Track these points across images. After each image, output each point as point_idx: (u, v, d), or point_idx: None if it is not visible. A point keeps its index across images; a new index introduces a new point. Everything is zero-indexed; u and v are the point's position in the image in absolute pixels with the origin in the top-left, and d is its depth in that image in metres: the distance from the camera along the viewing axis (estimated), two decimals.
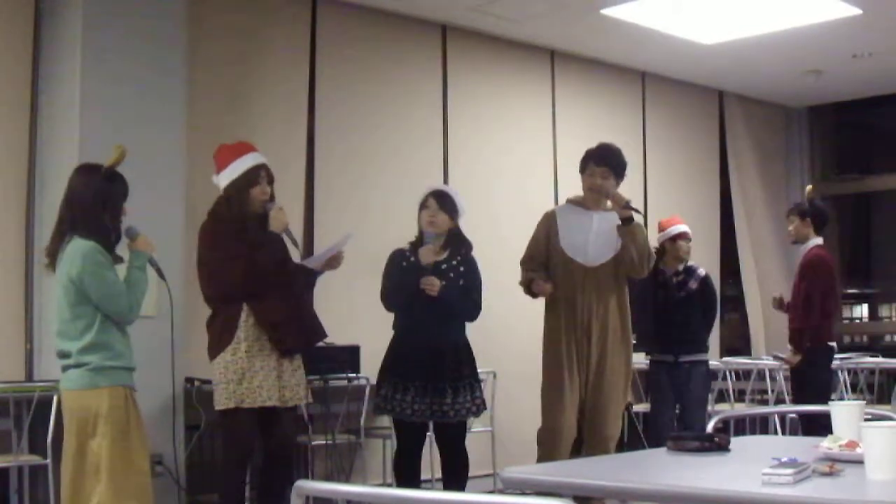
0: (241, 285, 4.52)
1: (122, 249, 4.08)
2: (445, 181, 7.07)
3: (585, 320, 5.24)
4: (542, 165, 7.70)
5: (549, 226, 5.39)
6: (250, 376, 4.48)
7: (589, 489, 2.61)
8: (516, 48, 7.57)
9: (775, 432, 4.48)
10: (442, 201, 5.10)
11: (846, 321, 10.52)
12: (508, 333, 6.88)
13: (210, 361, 4.58)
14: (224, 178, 4.63)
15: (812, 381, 6.39)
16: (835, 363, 7.06)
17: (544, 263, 5.35)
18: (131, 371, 3.99)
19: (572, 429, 5.25)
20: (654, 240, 6.57)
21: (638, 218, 5.32)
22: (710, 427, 3.45)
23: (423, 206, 5.15)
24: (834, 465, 2.44)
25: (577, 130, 7.66)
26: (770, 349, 8.39)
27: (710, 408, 6.88)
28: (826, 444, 2.67)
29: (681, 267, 6.45)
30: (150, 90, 5.40)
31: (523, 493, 2.19)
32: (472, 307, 5.14)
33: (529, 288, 5.34)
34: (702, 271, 6.54)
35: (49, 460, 4.78)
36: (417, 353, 4.97)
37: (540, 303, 5.43)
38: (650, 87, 8.57)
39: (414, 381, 4.96)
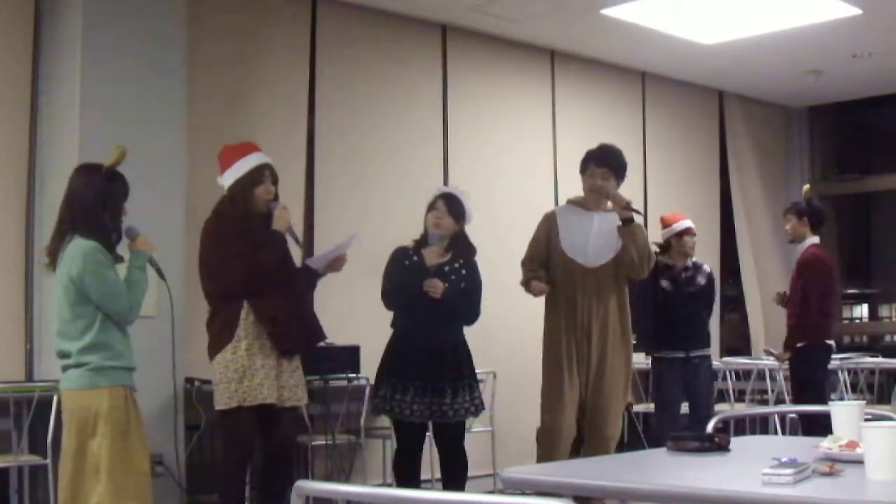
0: (243, 283, 4.52)
1: (122, 249, 4.08)
2: (445, 181, 7.07)
3: (585, 321, 5.24)
4: (542, 165, 7.70)
5: (549, 226, 5.39)
6: (251, 374, 4.48)
7: (589, 489, 2.61)
8: (516, 48, 7.57)
9: (775, 432, 4.48)
10: (450, 204, 5.11)
11: (846, 321, 10.52)
12: (508, 333, 6.88)
13: (210, 361, 4.58)
14: (228, 178, 4.64)
15: (809, 379, 6.40)
16: (835, 363, 7.06)
17: (545, 264, 5.35)
18: (131, 371, 3.99)
19: (572, 429, 5.25)
20: (658, 236, 6.60)
21: (638, 219, 5.32)
22: (710, 427, 3.45)
23: (431, 207, 5.15)
24: (834, 465, 2.44)
25: (577, 130, 7.66)
26: (764, 350, 8.39)
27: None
28: (826, 444, 2.67)
29: (689, 262, 6.48)
30: (150, 90, 5.40)
31: (523, 493, 2.19)
32: (470, 311, 5.14)
33: (527, 289, 5.34)
34: (707, 267, 6.61)
35: (49, 460, 4.79)
36: (417, 354, 4.97)
37: (540, 303, 5.43)
38: (650, 87, 8.57)
39: (413, 382, 4.96)
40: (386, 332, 5.17)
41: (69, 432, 3.91)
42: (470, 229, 5.29)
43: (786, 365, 6.69)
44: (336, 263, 4.88)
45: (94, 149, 4.84)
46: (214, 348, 4.56)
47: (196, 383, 5.38)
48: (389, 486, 6.04)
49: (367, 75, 6.79)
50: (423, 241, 5.17)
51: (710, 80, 8.80)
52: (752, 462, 2.60)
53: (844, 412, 2.80)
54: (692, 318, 6.42)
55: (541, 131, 7.76)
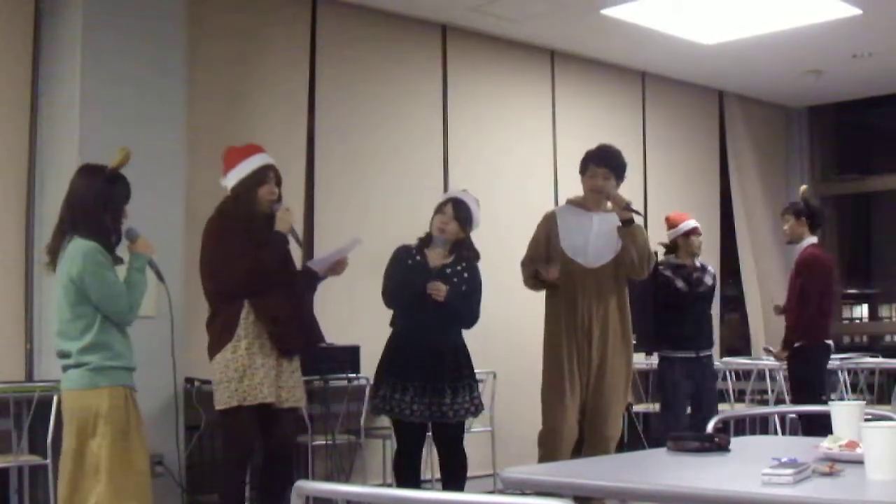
0: (245, 283, 4.53)
1: (122, 251, 4.09)
2: (445, 181, 7.08)
3: (586, 321, 5.24)
4: (542, 165, 7.70)
5: (549, 227, 5.39)
6: (251, 374, 4.48)
7: (589, 489, 2.61)
8: (516, 48, 7.57)
9: (775, 432, 4.48)
10: (458, 210, 5.11)
11: (846, 321, 10.52)
12: (508, 334, 6.88)
13: (210, 361, 4.59)
14: (232, 178, 4.65)
15: (808, 379, 6.40)
16: (835, 363, 7.06)
17: (544, 264, 5.35)
18: (131, 371, 3.99)
19: (573, 430, 5.25)
20: (660, 236, 6.61)
21: (638, 219, 5.32)
22: (710, 427, 3.45)
23: (439, 210, 5.15)
24: (834, 465, 2.44)
25: (577, 130, 7.66)
26: (763, 348, 8.39)
27: None
28: (826, 444, 2.67)
29: (697, 262, 6.51)
30: (150, 90, 5.40)
31: (523, 493, 2.19)
32: (470, 314, 5.15)
33: (536, 279, 5.31)
34: (711, 267, 6.66)
35: (49, 460, 4.78)
36: (417, 354, 4.97)
37: (540, 303, 5.43)
38: (650, 87, 8.57)
39: (413, 382, 4.96)
40: (386, 332, 5.17)
41: (69, 432, 3.91)
42: (472, 233, 5.29)
43: (785, 364, 6.70)
44: (338, 267, 4.89)
45: (94, 149, 4.84)
46: (214, 348, 4.56)
47: (196, 383, 5.38)
48: (389, 486, 6.04)
49: (367, 75, 6.79)
50: (426, 241, 5.18)
51: (710, 80, 8.80)
52: (752, 462, 2.60)
53: (844, 412, 2.80)
54: (702, 317, 6.48)
55: (541, 131, 7.76)
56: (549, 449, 5.20)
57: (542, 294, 5.42)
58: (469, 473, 5.17)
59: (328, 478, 5.96)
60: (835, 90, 9.02)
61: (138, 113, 5.33)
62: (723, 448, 2.94)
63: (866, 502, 2.24)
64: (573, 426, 5.24)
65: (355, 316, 6.24)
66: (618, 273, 5.31)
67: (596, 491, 2.64)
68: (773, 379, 7.33)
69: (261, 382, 4.49)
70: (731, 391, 7.38)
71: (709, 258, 7.14)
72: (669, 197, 8.44)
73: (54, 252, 4.00)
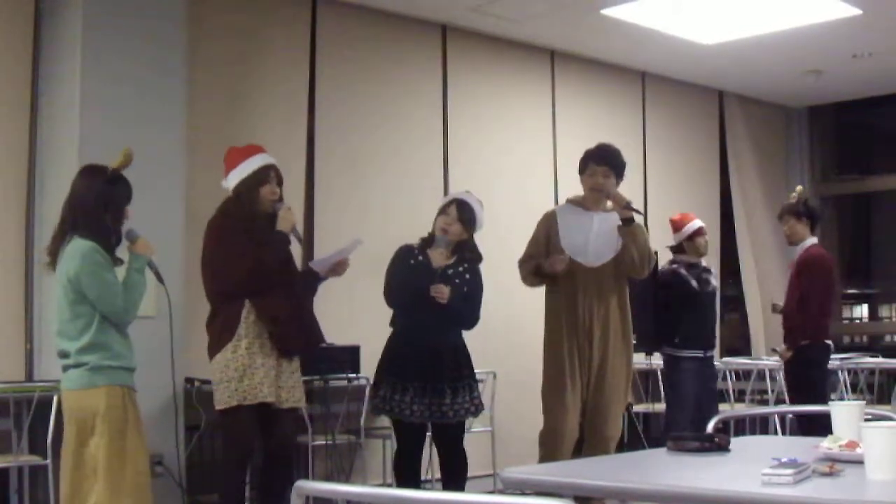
0: (246, 283, 4.52)
1: (122, 252, 4.09)
2: (445, 181, 7.08)
3: (586, 321, 5.24)
4: (542, 165, 7.70)
5: (549, 226, 5.39)
6: (251, 373, 4.48)
7: (589, 489, 2.61)
8: (516, 48, 7.57)
9: (775, 432, 4.48)
10: (462, 212, 5.11)
11: (846, 321, 10.52)
12: (508, 333, 6.88)
13: (210, 361, 4.58)
14: (234, 178, 4.65)
15: (809, 379, 6.40)
16: (835, 363, 7.06)
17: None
18: (131, 371, 4.00)
19: (574, 430, 5.25)
20: (664, 236, 6.62)
21: (638, 218, 5.32)
22: (710, 427, 3.45)
23: (442, 210, 5.15)
24: (834, 465, 2.44)
25: (577, 130, 7.66)
26: (770, 349, 8.40)
27: None
28: (826, 444, 2.67)
29: (703, 263, 6.54)
30: (150, 90, 5.40)
31: (523, 494, 2.19)
32: (471, 316, 5.15)
33: (537, 275, 5.30)
34: (713, 268, 6.73)
35: (49, 460, 4.79)
36: (417, 354, 4.97)
37: (540, 303, 5.43)
38: (650, 87, 8.57)
39: (413, 382, 4.96)
40: (386, 332, 5.17)
41: (69, 432, 3.92)
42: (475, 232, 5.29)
43: (781, 359, 6.68)
44: (339, 268, 4.89)
45: (94, 149, 4.84)
46: (214, 348, 4.56)
47: (196, 383, 5.39)
48: (389, 486, 6.04)
49: (367, 75, 6.79)
50: (429, 241, 5.17)
51: (710, 80, 8.80)
52: (752, 462, 2.60)
53: (844, 412, 2.80)
54: (710, 317, 6.59)
55: (541, 131, 7.76)
56: (549, 449, 5.20)
57: (543, 294, 5.42)
58: (469, 473, 5.16)
59: (328, 478, 5.96)
60: (835, 90, 9.02)
61: (138, 113, 5.33)
62: (723, 448, 2.94)
63: (866, 502, 2.24)
64: (574, 426, 5.24)
65: (355, 316, 6.24)
66: (618, 272, 5.31)
67: (596, 491, 2.64)
68: (773, 379, 7.33)
69: (261, 382, 4.49)
70: (731, 391, 7.38)
71: (709, 258, 7.14)
72: (669, 197, 8.44)
73: (54, 253, 4.01)
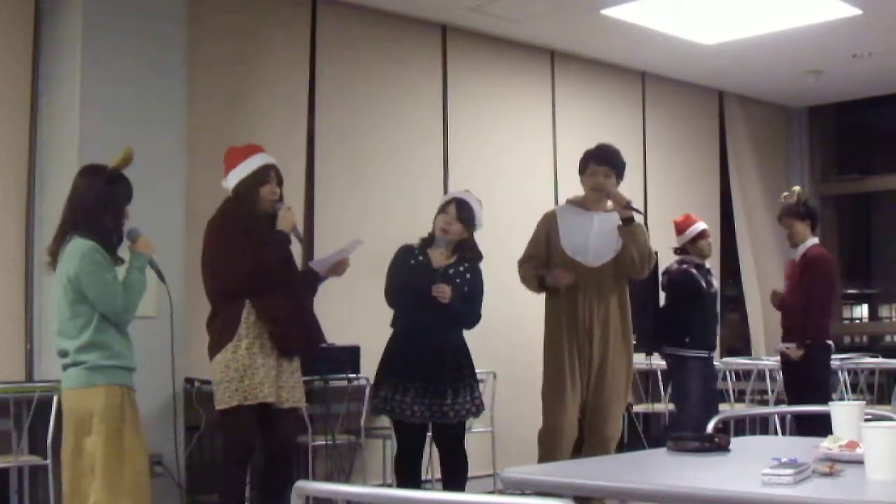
0: (246, 283, 4.52)
1: (124, 252, 4.09)
2: (445, 181, 7.08)
3: (587, 321, 5.24)
4: (542, 165, 7.70)
5: (549, 226, 5.39)
6: (251, 373, 4.48)
7: (589, 489, 2.61)
8: (516, 48, 7.57)
9: (775, 432, 4.48)
10: (461, 210, 5.11)
11: (846, 321, 10.52)
12: (508, 333, 6.88)
13: (210, 361, 4.58)
14: (233, 178, 4.65)
15: (813, 379, 6.40)
16: (835, 363, 7.06)
17: (544, 264, 5.35)
18: (130, 371, 3.99)
19: (573, 430, 5.25)
20: (664, 236, 6.62)
21: (638, 218, 5.32)
22: (710, 427, 3.45)
23: (442, 210, 5.15)
24: (834, 465, 2.44)
25: (577, 130, 7.66)
26: (770, 349, 8.40)
27: None
28: (826, 445, 2.67)
29: (706, 264, 6.55)
30: (150, 90, 5.40)
31: (523, 494, 2.19)
32: (472, 315, 5.15)
33: (540, 284, 5.31)
34: (714, 270, 6.74)
35: (49, 460, 4.79)
36: (418, 354, 4.97)
37: (540, 303, 5.43)
38: (650, 87, 8.57)
39: (414, 382, 4.96)
40: (386, 333, 5.17)
41: (68, 431, 3.93)
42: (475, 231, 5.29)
43: (789, 358, 6.66)
44: (339, 267, 4.90)
45: (94, 149, 4.84)
46: (215, 348, 4.56)
47: (196, 383, 5.39)
48: (389, 486, 6.04)
49: (367, 75, 6.79)
50: (429, 241, 5.18)
51: (710, 80, 8.79)
52: (752, 462, 2.60)
53: (844, 412, 2.80)
54: (715, 318, 6.63)
55: (541, 131, 7.76)
56: (549, 449, 5.20)
57: (542, 294, 5.42)
58: (469, 473, 5.16)
59: (328, 478, 5.96)
60: (835, 90, 9.02)
61: (138, 113, 5.33)
62: (723, 448, 2.94)
63: (866, 502, 2.24)
64: (573, 425, 5.24)
65: (355, 316, 6.24)
66: (618, 272, 5.31)
67: (596, 491, 2.65)
68: (773, 379, 7.33)
69: (261, 382, 4.49)
70: (731, 391, 7.38)
71: (709, 259, 7.14)
72: (669, 197, 8.44)
73: (55, 253, 4.01)
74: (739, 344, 9.37)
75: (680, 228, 6.57)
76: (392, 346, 5.11)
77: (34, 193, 5.44)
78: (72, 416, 3.92)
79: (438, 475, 5.44)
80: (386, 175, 6.82)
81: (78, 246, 3.90)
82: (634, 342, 5.50)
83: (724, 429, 6.04)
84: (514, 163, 7.50)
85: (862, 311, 10.90)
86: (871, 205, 10.66)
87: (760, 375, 7.38)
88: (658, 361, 6.89)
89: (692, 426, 5.90)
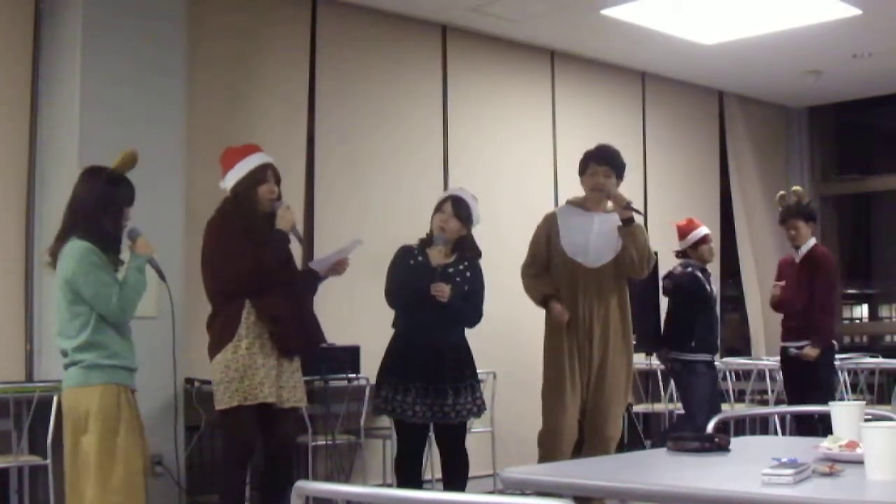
0: (246, 283, 4.53)
1: (126, 253, 4.09)
2: (445, 181, 7.08)
3: (587, 321, 5.24)
4: (542, 165, 7.70)
5: (549, 227, 5.39)
6: (251, 373, 4.48)
7: (589, 489, 2.61)
8: (516, 48, 7.57)
9: (775, 432, 4.48)
10: (458, 208, 5.11)
11: (846, 321, 10.52)
12: (508, 334, 6.87)
13: (210, 361, 4.58)
14: (231, 178, 4.66)
15: (816, 379, 6.40)
16: (835, 363, 7.06)
17: (546, 265, 5.35)
18: (130, 371, 4.00)
19: (573, 430, 5.25)
20: (665, 237, 6.62)
21: (638, 219, 5.32)
22: (710, 427, 3.45)
23: (438, 208, 5.15)
24: (834, 465, 2.44)
25: (577, 130, 7.66)
26: (770, 349, 8.39)
27: None
28: (826, 445, 2.67)
29: (708, 269, 6.59)
30: (150, 90, 5.40)
31: (523, 494, 2.19)
32: (473, 313, 5.15)
33: (543, 302, 5.31)
34: (713, 272, 6.76)
35: (49, 460, 4.79)
36: (419, 354, 4.97)
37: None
38: (650, 87, 8.57)
39: (415, 383, 4.95)
40: (386, 333, 5.17)
41: (66, 430, 3.96)
42: (472, 230, 5.29)
43: (805, 358, 6.63)
44: (339, 267, 4.90)
45: (94, 149, 4.84)
46: (215, 348, 4.56)
47: (196, 383, 5.38)
48: (390, 486, 6.04)
49: (367, 75, 6.79)
50: (427, 241, 5.18)
51: (710, 80, 8.79)
52: (752, 462, 2.60)
53: (844, 412, 2.80)
54: (717, 322, 6.70)
55: (541, 131, 7.76)
56: (549, 449, 5.20)
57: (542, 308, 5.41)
58: (469, 473, 5.16)
59: (328, 478, 5.96)
60: (835, 90, 9.02)
61: (138, 113, 5.33)
62: (723, 448, 2.94)
63: (866, 502, 2.24)
64: (573, 426, 5.24)
65: (355, 316, 6.24)
66: (618, 272, 5.31)
67: (596, 491, 2.64)
68: (773, 379, 7.33)
69: (261, 382, 4.49)
70: (731, 391, 7.38)
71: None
72: (669, 197, 8.44)
73: (55, 254, 4.02)
74: (739, 344, 9.37)
75: (682, 233, 6.57)
76: (393, 347, 5.11)
77: (34, 193, 5.43)
78: (70, 415, 3.94)
79: (439, 475, 5.43)
80: (386, 175, 6.82)
81: (74, 247, 3.91)
82: (634, 342, 5.50)
83: (724, 429, 6.04)
84: (514, 163, 7.50)
85: (862, 311, 10.90)
86: (871, 205, 10.66)
87: (760, 375, 7.38)
88: (658, 361, 6.88)
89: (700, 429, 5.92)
